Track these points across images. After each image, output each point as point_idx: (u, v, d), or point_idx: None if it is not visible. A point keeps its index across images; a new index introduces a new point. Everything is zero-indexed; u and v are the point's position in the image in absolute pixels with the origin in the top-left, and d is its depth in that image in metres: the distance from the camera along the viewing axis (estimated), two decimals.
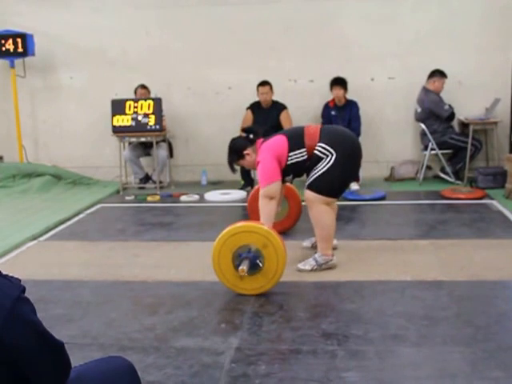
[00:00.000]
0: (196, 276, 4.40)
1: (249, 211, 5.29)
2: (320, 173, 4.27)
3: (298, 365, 2.99)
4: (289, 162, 4.35)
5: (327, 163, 4.25)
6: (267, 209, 4.26)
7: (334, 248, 4.62)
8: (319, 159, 4.28)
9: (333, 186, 4.32)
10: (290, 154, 4.34)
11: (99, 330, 3.49)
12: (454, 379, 2.80)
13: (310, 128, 4.46)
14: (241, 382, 2.82)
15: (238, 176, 7.63)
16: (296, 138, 4.37)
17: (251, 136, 4.60)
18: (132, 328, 3.49)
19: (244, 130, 4.79)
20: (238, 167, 4.91)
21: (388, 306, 3.72)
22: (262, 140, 4.55)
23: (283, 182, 4.54)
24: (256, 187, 5.37)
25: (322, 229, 4.38)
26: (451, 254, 4.69)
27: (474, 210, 6.12)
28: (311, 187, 4.32)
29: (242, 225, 4.01)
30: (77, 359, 1.75)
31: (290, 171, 4.44)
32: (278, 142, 4.40)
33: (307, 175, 4.40)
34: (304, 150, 4.33)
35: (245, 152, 4.55)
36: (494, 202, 6.39)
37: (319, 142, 4.30)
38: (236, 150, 4.62)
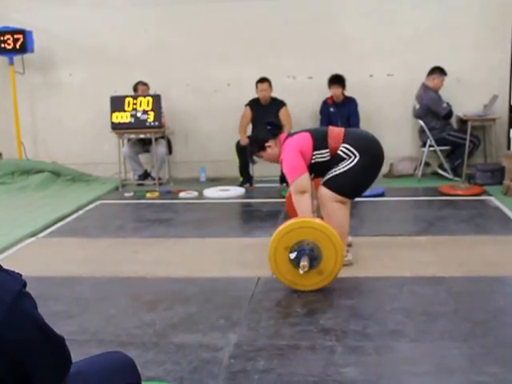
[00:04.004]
0: (195, 272, 4.41)
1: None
2: (340, 172, 4.24)
3: (296, 360, 3.01)
4: (312, 161, 4.31)
5: (349, 163, 4.22)
6: (302, 204, 4.21)
7: (349, 244, 4.60)
8: (341, 159, 4.25)
9: (350, 186, 4.29)
10: (314, 153, 4.30)
11: (98, 326, 3.50)
12: (452, 374, 2.81)
13: (334, 130, 4.43)
14: (240, 378, 2.83)
15: (236, 172, 7.66)
16: (320, 138, 4.33)
17: (275, 129, 4.55)
18: (131, 324, 3.50)
19: (268, 123, 4.69)
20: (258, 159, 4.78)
21: (386, 301, 3.73)
22: (285, 135, 4.51)
23: None
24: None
25: (336, 226, 4.28)
26: (449, 250, 4.71)
27: (472, 207, 6.14)
28: (327, 184, 4.28)
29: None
30: (76, 355, 1.75)
31: (312, 170, 4.40)
32: (303, 138, 4.36)
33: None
34: (327, 150, 4.29)
35: (266, 144, 4.47)
36: (492, 199, 6.40)
37: (343, 142, 4.28)
38: (258, 141, 4.56)
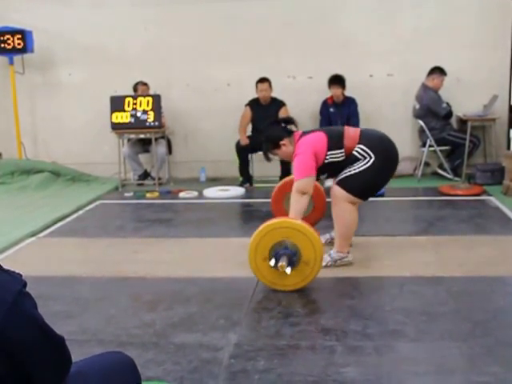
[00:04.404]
0: (195, 272, 4.41)
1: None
2: (354, 172, 4.22)
3: (296, 360, 3.01)
4: (326, 161, 4.28)
5: (364, 165, 4.20)
6: (298, 204, 4.17)
7: (350, 245, 4.56)
8: (356, 159, 4.24)
9: (364, 187, 4.29)
10: (328, 153, 4.27)
11: (98, 326, 3.50)
12: (452, 374, 2.81)
13: (350, 130, 4.41)
14: (240, 378, 2.83)
15: (236, 172, 7.66)
16: (336, 138, 4.31)
17: (290, 127, 4.52)
18: (131, 324, 3.50)
19: (284, 120, 4.65)
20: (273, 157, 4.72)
21: (387, 301, 3.73)
22: (300, 133, 4.46)
23: (317, 179, 4.46)
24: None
25: (343, 227, 4.33)
26: (449, 250, 4.71)
27: (471, 207, 6.14)
28: (341, 184, 4.27)
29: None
30: (76, 355, 1.75)
31: (326, 170, 4.38)
32: (318, 138, 4.33)
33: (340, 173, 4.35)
34: (342, 150, 4.27)
35: (281, 142, 4.43)
36: (492, 199, 6.40)
37: (359, 143, 4.26)
38: (273, 140, 4.49)
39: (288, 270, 3.78)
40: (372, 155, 4.21)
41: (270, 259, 3.85)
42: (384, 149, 4.32)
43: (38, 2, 8.24)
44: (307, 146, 4.28)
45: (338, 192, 4.28)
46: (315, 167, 4.26)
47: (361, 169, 4.22)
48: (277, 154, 4.58)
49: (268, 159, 4.70)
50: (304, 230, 3.85)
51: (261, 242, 3.88)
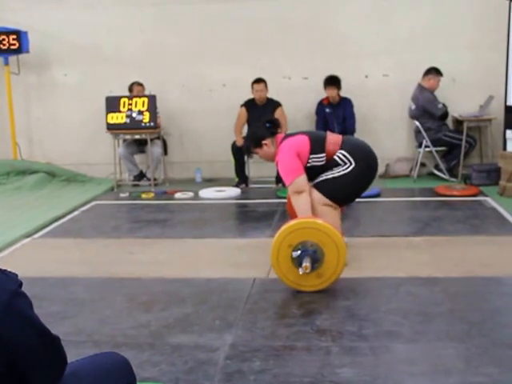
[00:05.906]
0: (191, 273, 4.40)
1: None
2: (332, 176, 4.25)
3: (292, 361, 3.00)
4: (308, 165, 4.29)
5: (343, 170, 4.23)
6: (301, 203, 4.20)
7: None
8: (337, 164, 4.26)
9: (341, 193, 4.30)
10: (311, 157, 4.28)
11: (94, 326, 3.48)
12: (449, 375, 2.81)
13: (333, 136, 4.43)
14: (235, 379, 2.82)
15: (232, 173, 7.65)
16: (318, 142, 4.32)
17: (274, 128, 4.52)
18: (127, 325, 3.48)
19: (268, 121, 4.63)
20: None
21: (382, 302, 3.73)
22: (283, 136, 4.47)
23: None
24: None
25: None
26: (445, 251, 4.71)
27: (468, 207, 6.14)
28: (318, 187, 4.28)
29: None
30: (71, 356, 1.74)
31: (307, 174, 4.34)
32: (301, 140, 4.34)
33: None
34: (324, 155, 4.29)
35: (263, 142, 4.43)
36: (488, 199, 6.41)
37: (340, 149, 4.28)
38: (255, 138, 4.51)
39: (301, 271, 3.77)
40: (352, 161, 4.23)
41: (295, 250, 3.83)
42: (365, 156, 4.34)
43: (34, 2, 8.21)
44: (289, 149, 4.29)
45: (315, 195, 4.29)
46: (301, 165, 4.26)
47: (340, 174, 4.24)
48: (257, 153, 4.57)
49: (250, 156, 4.71)
50: (340, 248, 3.84)
51: (298, 231, 3.87)
